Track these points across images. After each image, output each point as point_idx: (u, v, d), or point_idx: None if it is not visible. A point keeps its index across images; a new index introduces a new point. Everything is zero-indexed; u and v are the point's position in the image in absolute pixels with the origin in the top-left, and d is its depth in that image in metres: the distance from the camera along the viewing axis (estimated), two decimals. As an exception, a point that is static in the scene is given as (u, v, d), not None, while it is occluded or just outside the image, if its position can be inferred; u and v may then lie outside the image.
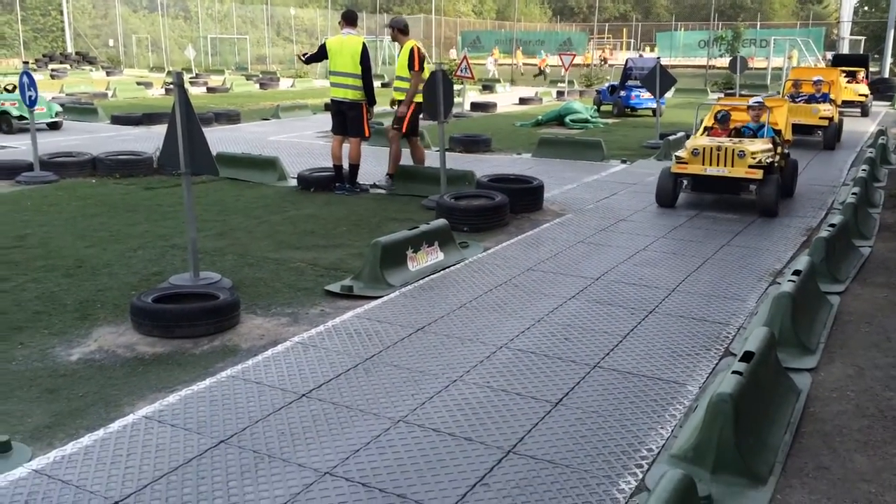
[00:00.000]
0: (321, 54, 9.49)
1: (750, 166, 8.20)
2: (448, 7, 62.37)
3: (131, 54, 46.24)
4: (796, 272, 5.24)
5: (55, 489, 3.14)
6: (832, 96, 14.92)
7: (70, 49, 43.76)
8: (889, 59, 31.52)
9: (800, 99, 14.68)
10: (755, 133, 9.15)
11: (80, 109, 18.56)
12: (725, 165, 8.31)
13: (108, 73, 35.66)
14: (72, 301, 5.44)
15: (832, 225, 6.61)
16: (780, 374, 4.18)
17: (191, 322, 4.75)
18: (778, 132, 9.39)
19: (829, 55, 33.74)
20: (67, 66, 37.58)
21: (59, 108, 16.03)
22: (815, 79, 15.09)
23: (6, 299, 5.46)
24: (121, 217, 8.11)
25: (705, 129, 9.55)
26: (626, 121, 19.63)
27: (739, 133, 9.28)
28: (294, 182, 10.08)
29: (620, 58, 45.62)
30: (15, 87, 15.72)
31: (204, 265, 6.01)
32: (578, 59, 38.54)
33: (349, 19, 9.39)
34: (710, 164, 8.37)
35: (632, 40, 58.92)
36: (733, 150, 8.29)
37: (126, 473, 3.26)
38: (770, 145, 8.71)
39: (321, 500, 3.10)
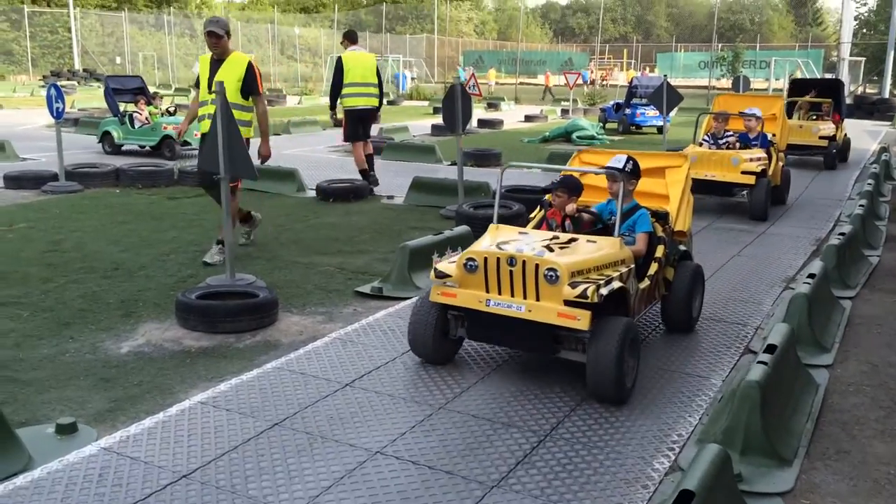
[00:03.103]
0: (339, 76, 9.86)
1: (567, 301, 3.96)
2: (451, 27, 63.08)
3: (137, 71, 46.78)
4: (811, 275, 5.47)
5: (125, 464, 3.34)
6: (773, 138, 10.06)
7: (77, 66, 44.23)
8: (889, 81, 31.89)
9: (724, 141, 9.70)
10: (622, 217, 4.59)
11: (94, 124, 18.80)
12: (525, 295, 4.11)
13: (116, 90, 36.03)
14: (114, 300, 5.66)
15: (842, 234, 6.84)
16: (800, 367, 4.39)
17: (234, 318, 4.97)
18: (663, 217, 5.10)
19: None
20: (75, 83, 37.94)
21: None
22: (746, 111, 10.02)
23: (50, 298, 5.68)
24: (148, 224, 8.33)
25: (541, 207, 5.28)
26: (632, 138, 19.93)
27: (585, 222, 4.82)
28: (312, 193, 10.33)
29: (620, 78, 46.21)
30: (178, 109, 14.82)
31: (236, 268, 6.21)
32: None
33: (353, 38, 10.19)
34: (499, 292, 4.18)
35: (632, 61, 59.55)
36: (536, 263, 4.05)
37: (190, 451, 3.46)
38: (624, 251, 4.40)
39: (375, 475, 3.31)
